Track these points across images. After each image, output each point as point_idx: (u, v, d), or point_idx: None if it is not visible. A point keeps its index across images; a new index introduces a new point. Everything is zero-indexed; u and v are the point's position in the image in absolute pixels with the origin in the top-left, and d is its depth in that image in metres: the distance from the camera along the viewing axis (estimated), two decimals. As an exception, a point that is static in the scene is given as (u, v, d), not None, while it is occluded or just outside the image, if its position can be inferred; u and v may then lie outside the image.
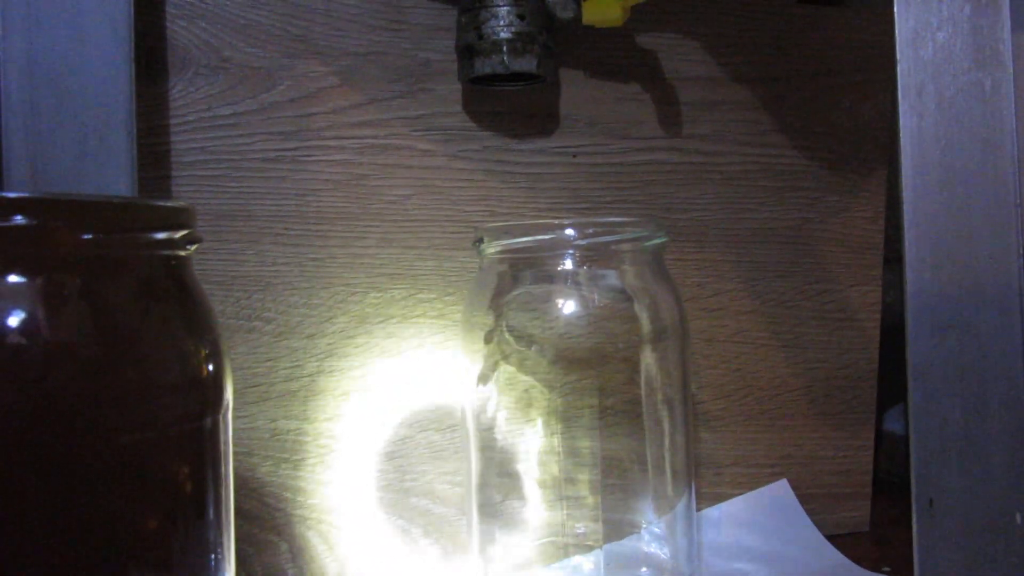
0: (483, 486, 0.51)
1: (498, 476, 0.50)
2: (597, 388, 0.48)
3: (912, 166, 0.37)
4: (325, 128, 0.54)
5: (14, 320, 0.28)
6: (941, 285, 0.37)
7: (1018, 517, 0.36)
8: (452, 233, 0.56)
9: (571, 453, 0.49)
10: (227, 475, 0.34)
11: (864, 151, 0.61)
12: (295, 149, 0.54)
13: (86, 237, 0.30)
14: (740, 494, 0.60)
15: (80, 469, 0.29)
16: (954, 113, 0.37)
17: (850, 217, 0.61)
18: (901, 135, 0.37)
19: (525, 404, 0.49)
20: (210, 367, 0.33)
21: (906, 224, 0.37)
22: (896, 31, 0.37)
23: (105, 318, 0.30)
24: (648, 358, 0.49)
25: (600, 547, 0.50)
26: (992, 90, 0.37)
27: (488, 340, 0.50)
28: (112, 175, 0.45)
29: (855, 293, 0.62)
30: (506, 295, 0.50)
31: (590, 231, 0.47)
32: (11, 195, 0.29)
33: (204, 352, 0.33)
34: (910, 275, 0.37)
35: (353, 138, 0.54)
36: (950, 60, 0.37)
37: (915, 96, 0.37)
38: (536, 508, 0.50)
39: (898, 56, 0.37)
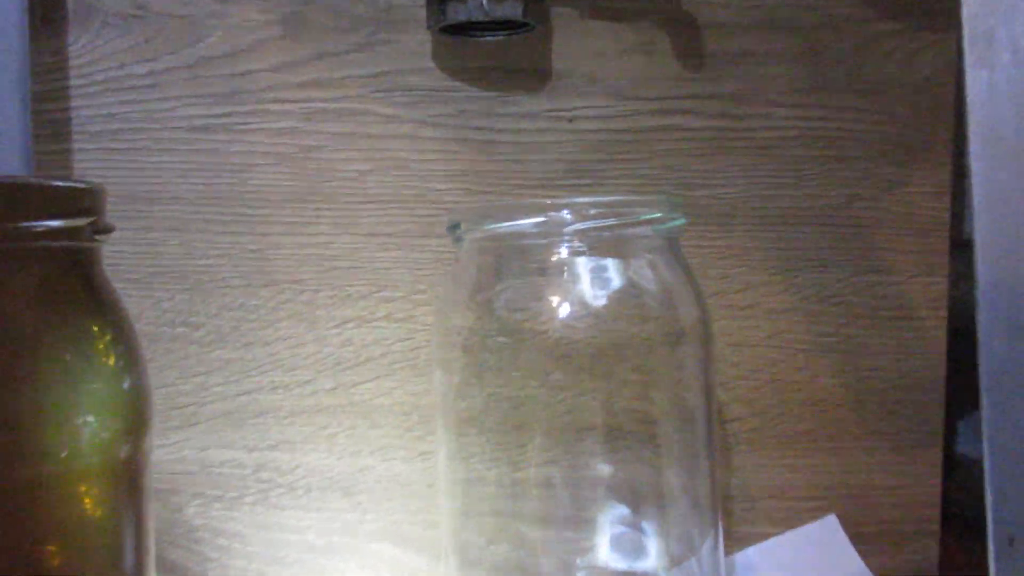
0: (463, 527, 0.51)
1: (480, 514, 0.51)
2: (601, 405, 0.49)
3: (981, 131, 0.37)
4: (265, 89, 0.54)
5: None
6: (1020, 275, 0.37)
7: (1112, 556, 0.37)
8: (422, 216, 0.56)
9: (570, 484, 0.50)
10: (147, 517, 0.34)
11: (925, 112, 0.61)
12: (228, 115, 0.53)
13: (-31, 226, 0.30)
14: (778, 533, 0.60)
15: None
16: (1031, 65, 0.37)
17: (908, 193, 0.61)
18: (968, 93, 0.37)
19: (514, 425, 0.49)
20: (124, 385, 0.33)
21: (976, 201, 0.37)
22: (959, -35, 0.38)
23: (-6, 325, 0.30)
24: (663, 367, 0.49)
25: (607, 599, 0.50)
26: (1077, 37, 0.37)
27: (468, 347, 0.50)
28: (2, 149, 0.45)
29: (916, 286, 0.62)
30: (489, 292, 0.50)
31: (591, 212, 0.48)
32: None
33: (117, 366, 0.33)
34: (982, 263, 0.37)
35: (299, 101, 0.54)
36: (1026, 0, 0.37)
37: (984, 45, 0.37)
38: (528, 553, 0.50)
39: (962, -5, 0.38)
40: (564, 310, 0.48)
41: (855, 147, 0.61)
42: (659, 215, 0.49)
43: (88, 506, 0.31)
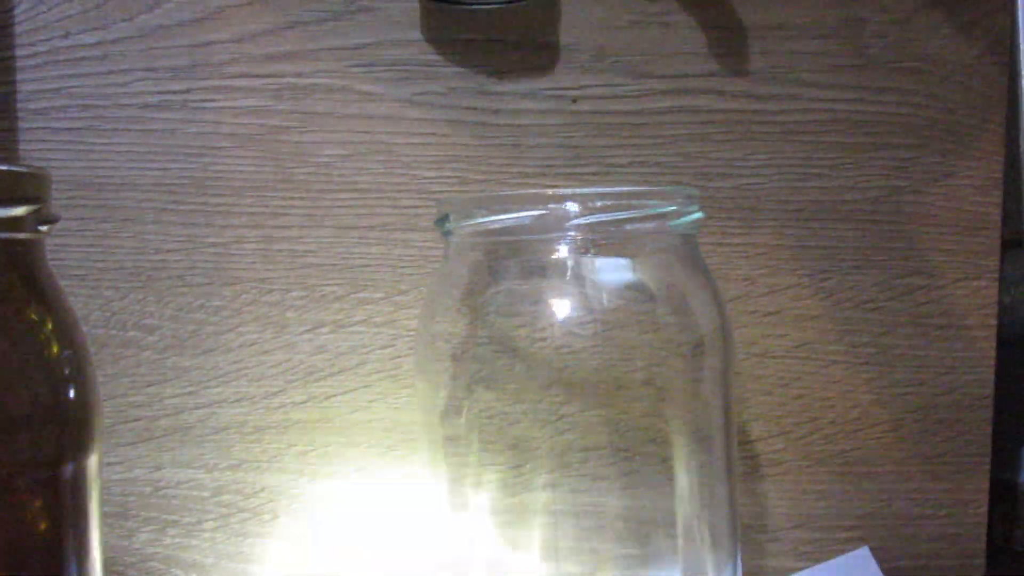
0: (451, 561, 0.51)
1: (471, 545, 0.51)
2: (607, 422, 0.49)
3: (1038, 115, 0.38)
4: (229, 62, 0.54)
5: None
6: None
7: None
8: (406, 208, 0.56)
9: (571, 513, 0.50)
10: (94, 543, 0.34)
11: (975, 95, 0.62)
12: (187, 92, 0.53)
13: None
14: (805, 567, 0.60)
15: None
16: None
17: (955, 186, 0.62)
18: None
19: (508, 445, 0.49)
20: (70, 394, 0.33)
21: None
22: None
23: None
24: (678, 381, 0.49)
25: (612, 642, 0.50)
26: None
27: (456, 356, 0.50)
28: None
29: (962, 290, 0.62)
30: (481, 294, 0.50)
31: (597, 205, 0.48)
32: None
33: (62, 373, 0.33)
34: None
35: (268, 76, 0.54)
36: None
37: (1042, 19, 0.38)
38: (523, 589, 0.50)
39: (1018, -36, 0.38)
40: (566, 315, 0.48)
41: (896, 133, 0.61)
42: (674, 208, 0.49)
43: (28, 530, 0.32)
